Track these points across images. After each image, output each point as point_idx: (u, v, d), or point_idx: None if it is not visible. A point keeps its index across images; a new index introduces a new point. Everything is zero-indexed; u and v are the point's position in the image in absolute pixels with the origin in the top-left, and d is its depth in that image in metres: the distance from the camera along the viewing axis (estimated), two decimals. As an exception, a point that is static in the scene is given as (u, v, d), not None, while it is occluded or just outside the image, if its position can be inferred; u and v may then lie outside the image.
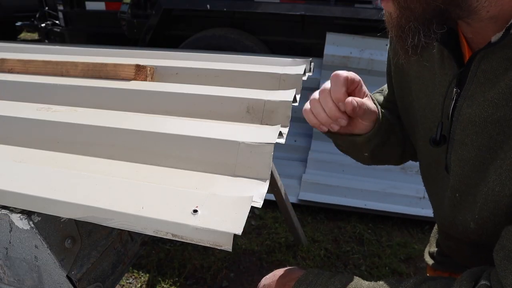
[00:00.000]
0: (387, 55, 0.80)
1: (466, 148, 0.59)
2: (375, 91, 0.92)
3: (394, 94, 0.80)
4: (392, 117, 0.81)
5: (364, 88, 0.68)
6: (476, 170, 0.58)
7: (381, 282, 0.61)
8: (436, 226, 0.91)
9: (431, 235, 0.94)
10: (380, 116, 0.72)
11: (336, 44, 2.43)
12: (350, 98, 0.63)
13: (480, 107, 0.55)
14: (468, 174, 0.60)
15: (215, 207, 0.53)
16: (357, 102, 0.63)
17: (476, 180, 0.59)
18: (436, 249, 0.90)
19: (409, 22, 0.52)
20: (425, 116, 0.69)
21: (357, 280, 0.63)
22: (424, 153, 0.73)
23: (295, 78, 1.00)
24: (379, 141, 0.74)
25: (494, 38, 0.51)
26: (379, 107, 0.73)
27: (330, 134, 0.74)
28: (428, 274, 0.93)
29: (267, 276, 0.74)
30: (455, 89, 0.59)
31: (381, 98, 0.87)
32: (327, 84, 0.67)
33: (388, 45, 0.78)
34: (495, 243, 0.54)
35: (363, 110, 0.66)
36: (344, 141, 0.75)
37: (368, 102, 0.68)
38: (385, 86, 0.89)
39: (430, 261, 0.90)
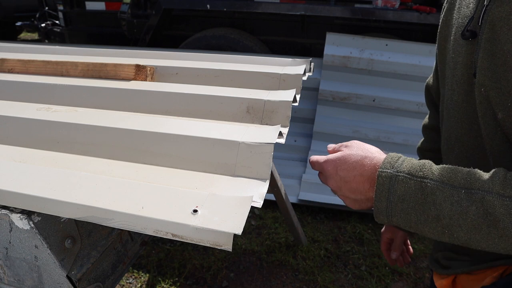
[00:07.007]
0: (439, 22, 0.82)
1: (494, 42, 0.62)
2: (430, 77, 0.98)
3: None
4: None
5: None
6: (502, 64, 0.61)
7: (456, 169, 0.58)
8: None
9: (434, 242, 0.94)
10: None
11: (336, 44, 2.43)
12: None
13: (510, 5, 0.58)
14: (494, 68, 0.62)
15: (215, 207, 0.53)
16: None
17: (501, 74, 0.61)
18: (439, 253, 0.89)
19: None
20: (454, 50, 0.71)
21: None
22: (450, 83, 0.76)
23: (295, 78, 1.00)
24: None
25: None
26: None
27: None
28: (434, 279, 0.92)
29: (335, 166, 0.64)
30: None
31: (432, 82, 0.93)
32: None
33: (446, 5, 0.80)
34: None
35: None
36: None
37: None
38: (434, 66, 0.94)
39: (435, 267, 0.90)
